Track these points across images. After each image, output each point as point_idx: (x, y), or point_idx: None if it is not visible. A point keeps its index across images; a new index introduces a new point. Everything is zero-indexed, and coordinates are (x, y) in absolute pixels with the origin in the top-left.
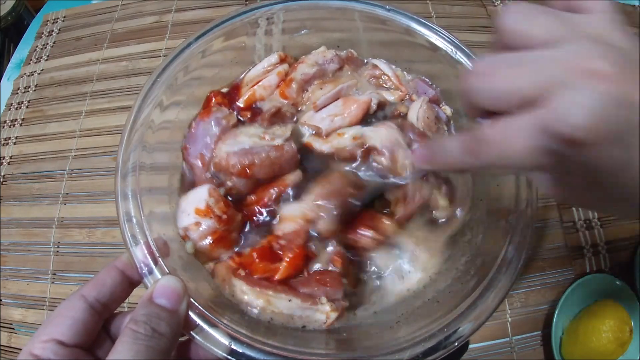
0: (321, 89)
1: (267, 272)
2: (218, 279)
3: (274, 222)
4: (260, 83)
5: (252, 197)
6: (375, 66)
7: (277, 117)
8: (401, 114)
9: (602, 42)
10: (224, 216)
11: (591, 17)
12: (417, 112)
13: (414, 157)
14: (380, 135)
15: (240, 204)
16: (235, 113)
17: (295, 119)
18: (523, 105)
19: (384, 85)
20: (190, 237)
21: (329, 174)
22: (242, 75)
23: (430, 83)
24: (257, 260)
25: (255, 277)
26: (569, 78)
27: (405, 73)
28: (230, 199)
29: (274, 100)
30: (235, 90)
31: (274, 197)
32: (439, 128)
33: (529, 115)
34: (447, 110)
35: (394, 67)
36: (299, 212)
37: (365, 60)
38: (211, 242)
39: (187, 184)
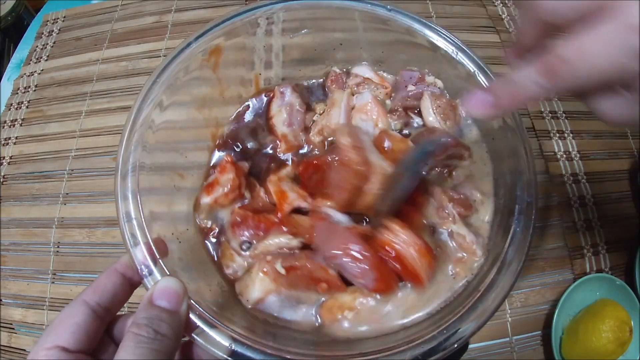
0: (328, 114)
1: None
2: None
3: None
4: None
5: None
6: (356, 75)
7: None
8: (400, 109)
9: None
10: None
11: None
12: (429, 109)
13: (470, 104)
14: None
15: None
16: None
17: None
18: (590, 12)
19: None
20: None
21: None
22: None
23: (411, 68)
24: None
25: None
26: None
27: (385, 73)
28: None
29: None
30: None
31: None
32: (456, 114)
33: (609, 21)
34: (437, 82)
35: (375, 68)
36: None
37: (345, 70)
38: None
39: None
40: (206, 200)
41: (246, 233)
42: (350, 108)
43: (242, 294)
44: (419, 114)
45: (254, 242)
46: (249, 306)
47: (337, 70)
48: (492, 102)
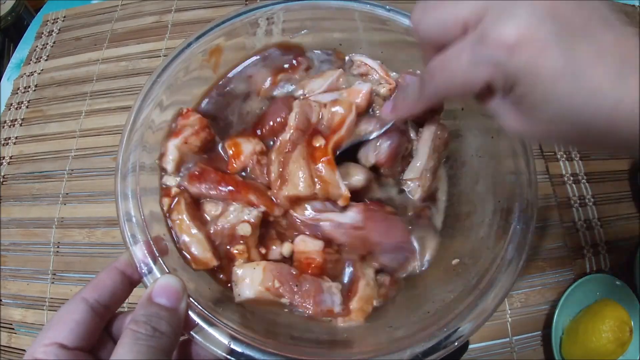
0: (309, 81)
1: None
2: None
3: None
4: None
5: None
6: (360, 64)
7: None
8: None
9: None
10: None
11: None
12: (425, 142)
13: (383, 112)
14: None
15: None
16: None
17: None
18: (465, 32)
19: (372, 79)
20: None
21: None
22: None
23: (414, 72)
24: None
25: None
26: (504, 2)
27: (388, 70)
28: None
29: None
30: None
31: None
32: (446, 149)
33: (466, 37)
34: None
35: (378, 62)
36: None
37: (347, 57)
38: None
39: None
40: (175, 142)
41: (204, 187)
42: (335, 87)
43: (237, 284)
44: (415, 122)
45: (215, 201)
46: (236, 301)
47: (343, 54)
48: (393, 109)
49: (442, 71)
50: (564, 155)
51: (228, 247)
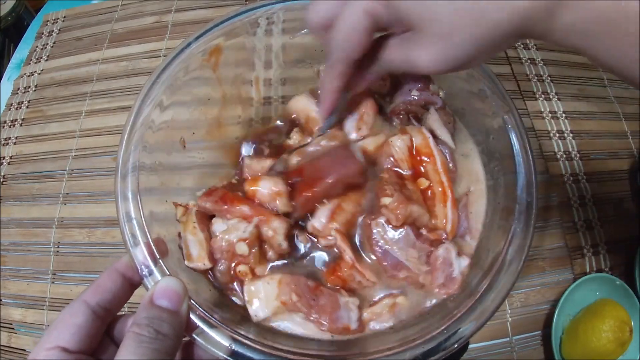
0: None
1: None
2: None
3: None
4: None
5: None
6: None
7: None
8: (403, 113)
9: None
10: None
11: None
12: (438, 123)
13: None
14: None
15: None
16: None
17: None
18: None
19: None
20: None
21: None
22: None
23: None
24: None
25: None
26: None
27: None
28: None
29: None
30: None
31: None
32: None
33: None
34: (440, 92)
35: None
36: None
37: None
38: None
39: None
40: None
41: (208, 204)
42: None
43: (251, 303)
44: (419, 121)
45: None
46: (254, 321)
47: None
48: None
49: (339, 29)
50: (564, 155)
51: (232, 264)
